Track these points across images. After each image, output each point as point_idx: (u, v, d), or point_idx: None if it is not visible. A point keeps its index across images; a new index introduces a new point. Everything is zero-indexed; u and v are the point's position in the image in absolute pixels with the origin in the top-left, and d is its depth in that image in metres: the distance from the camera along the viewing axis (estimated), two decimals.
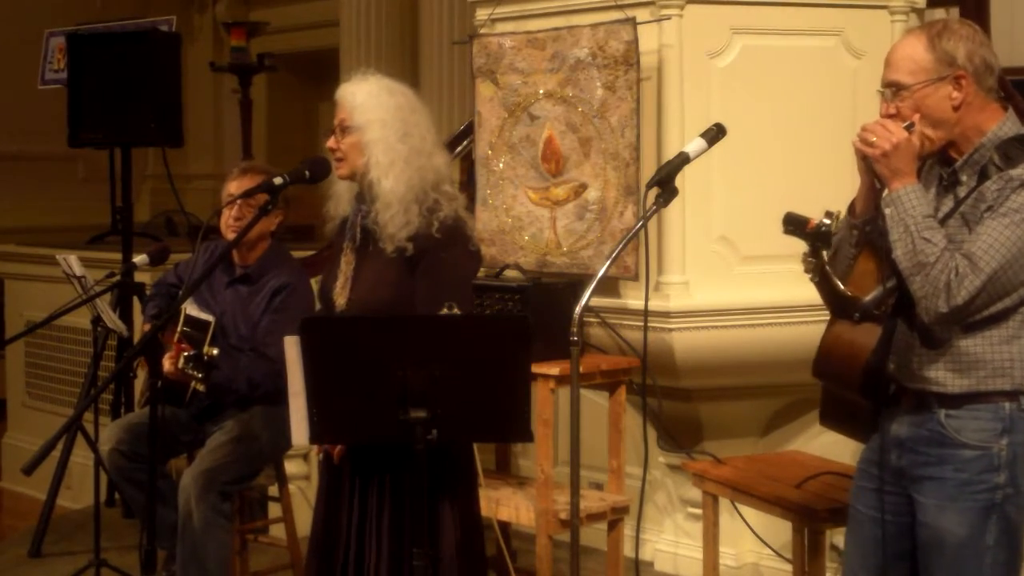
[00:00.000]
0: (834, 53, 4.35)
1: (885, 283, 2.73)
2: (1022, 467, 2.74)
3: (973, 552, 2.72)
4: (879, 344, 2.79)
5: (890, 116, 2.74)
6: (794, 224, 2.77)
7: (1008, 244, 2.59)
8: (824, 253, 2.77)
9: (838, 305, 2.80)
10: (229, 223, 4.33)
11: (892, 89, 2.75)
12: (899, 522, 2.84)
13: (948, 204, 2.74)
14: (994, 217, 2.62)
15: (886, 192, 2.70)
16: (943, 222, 2.70)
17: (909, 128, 2.69)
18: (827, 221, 2.78)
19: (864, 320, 2.75)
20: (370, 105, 3.30)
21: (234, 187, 4.33)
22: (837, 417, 3.07)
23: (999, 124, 2.73)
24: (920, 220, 2.64)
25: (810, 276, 2.80)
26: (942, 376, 2.73)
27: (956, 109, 2.71)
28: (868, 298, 2.74)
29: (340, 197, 3.42)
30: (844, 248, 2.87)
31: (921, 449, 2.77)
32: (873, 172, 2.73)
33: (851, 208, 2.86)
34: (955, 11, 4.67)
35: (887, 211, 2.68)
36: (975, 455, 2.72)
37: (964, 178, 2.73)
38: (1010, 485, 2.73)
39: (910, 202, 2.66)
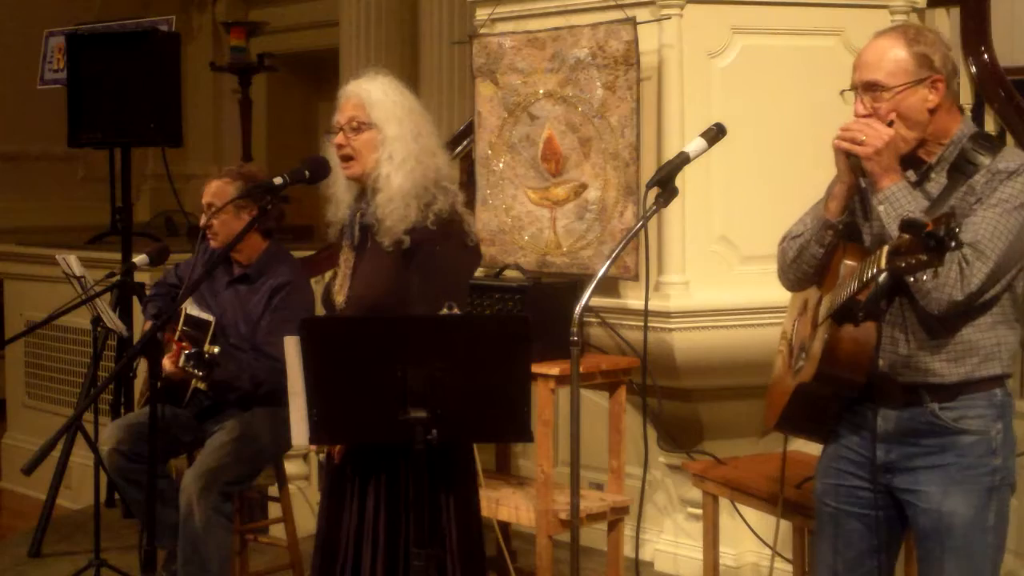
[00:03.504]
0: (834, 53, 4.34)
1: (878, 279, 2.72)
2: (1010, 448, 2.86)
3: (979, 532, 2.82)
4: (878, 339, 2.82)
5: (867, 116, 2.81)
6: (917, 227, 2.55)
7: (1006, 231, 2.69)
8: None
9: (841, 309, 2.80)
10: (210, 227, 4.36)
11: (868, 89, 2.81)
12: (875, 516, 2.92)
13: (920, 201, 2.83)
14: (986, 208, 2.70)
15: (878, 190, 2.75)
16: None
17: (890, 126, 2.77)
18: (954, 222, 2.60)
19: (867, 319, 2.77)
20: (386, 103, 3.31)
21: (211, 192, 4.39)
22: (799, 421, 3.10)
23: (962, 124, 2.84)
24: (919, 215, 2.68)
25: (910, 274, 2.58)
26: (938, 367, 2.80)
27: (931, 112, 2.80)
28: (868, 297, 2.75)
29: (340, 200, 3.41)
30: (811, 247, 2.94)
31: (917, 441, 2.84)
32: (859, 171, 2.79)
33: (821, 207, 2.92)
34: (956, 11, 4.66)
35: (881, 208, 2.74)
36: (974, 440, 2.81)
37: (934, 175, 2.82)
38: (1004, 468, 2.84)
39: (905, 198, 2.73)
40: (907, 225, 2.43)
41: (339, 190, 3.40)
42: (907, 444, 2.85)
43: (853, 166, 2.80)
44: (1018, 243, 2.71)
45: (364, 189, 3.35)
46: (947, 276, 2.66)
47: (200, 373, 3.94)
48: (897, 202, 2.72)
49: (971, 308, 2.74)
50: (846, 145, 2.79)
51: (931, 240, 2.36)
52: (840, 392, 2.91)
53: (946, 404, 2.81)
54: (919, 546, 2.91)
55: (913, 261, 2.41)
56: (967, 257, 2.66)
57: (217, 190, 4.37)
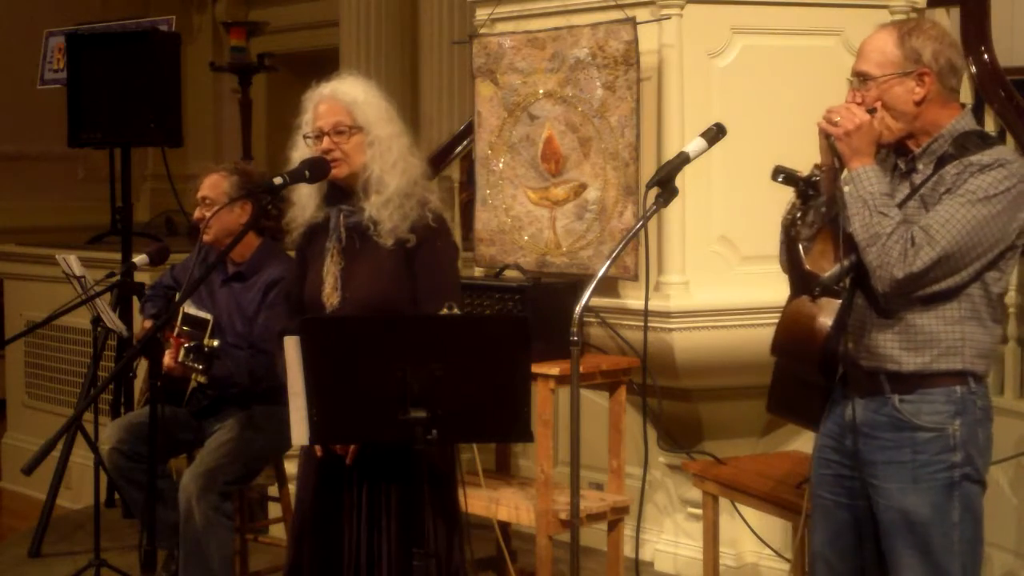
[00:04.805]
0: (834, 53, 4.34)
1: (843, 261, 2.82)
2: (974, 445, 2.86)
3: (941, 530, 2.83)
4: (837, 320, 2.87)
5: (855, 103, 2.89)
6: (785, 173, 2.94)
7: (963, 222, 2.73)
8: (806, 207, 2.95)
9: (799, 280, 2.87)
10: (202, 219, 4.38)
11: (860, 78, 2.90)
12: (861, 505, 2.94)
13: (904, 190, 2.88)
14: (952, 198, 2.76)
15: (846, 171, 2.84)
16: (901, 205, 2.83)
17: (871, 113, 2.85)
18: (817, 175, 2.93)
19: (823, 295, 2.84)
20: (369, 105, 3.32)
21: (206, 185, 4.41)
22: (786, 404, 3.13)
23: (956, 119, 2.88)
24: (878, 196, 2.77)
25: (792, 227, 2.93)
26: (896, 354, 2.84)
27: (917, 104, 2.87)
28: (827, 274, 2.83)
29: (304, 204, 3.41)
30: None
31: (877, 434, 2.88)
32: (834, 151, 2.86)
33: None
34: (956, 11, 4.66)
35: (846, 188, 2.82)
36: (931, 436, 2.83)
37: (921, 166, 2.89)
38: (967, 463, 2.84)
39: (868, 180, 2.80)
40: (776, 171, 2.67)
41: (303, 194, 3.39)
42: (870, 437, 2.89)
43: (831, 147, 2.88)
44: (979, 235, 2.74)
45: (342, 190, 3.35)
46: (890, 255, 2.73)
47: (200, 366, 3.95)
48: (861, 184, 2.79)
49: (922, 293, 2.77)
50: (823, 124, 2.88)
51: (792, 181, 2.61)
52: (802, 368, 2.95)
53: (905, 397, 2.85)
54: (882, 542, 2.91)
55: (795, 207, 2.64)
56: (915, 238, 2.72)
57: (213, 183, 4.40)
